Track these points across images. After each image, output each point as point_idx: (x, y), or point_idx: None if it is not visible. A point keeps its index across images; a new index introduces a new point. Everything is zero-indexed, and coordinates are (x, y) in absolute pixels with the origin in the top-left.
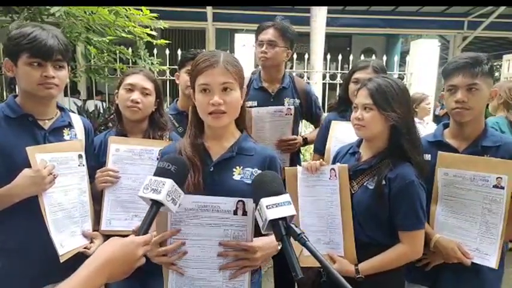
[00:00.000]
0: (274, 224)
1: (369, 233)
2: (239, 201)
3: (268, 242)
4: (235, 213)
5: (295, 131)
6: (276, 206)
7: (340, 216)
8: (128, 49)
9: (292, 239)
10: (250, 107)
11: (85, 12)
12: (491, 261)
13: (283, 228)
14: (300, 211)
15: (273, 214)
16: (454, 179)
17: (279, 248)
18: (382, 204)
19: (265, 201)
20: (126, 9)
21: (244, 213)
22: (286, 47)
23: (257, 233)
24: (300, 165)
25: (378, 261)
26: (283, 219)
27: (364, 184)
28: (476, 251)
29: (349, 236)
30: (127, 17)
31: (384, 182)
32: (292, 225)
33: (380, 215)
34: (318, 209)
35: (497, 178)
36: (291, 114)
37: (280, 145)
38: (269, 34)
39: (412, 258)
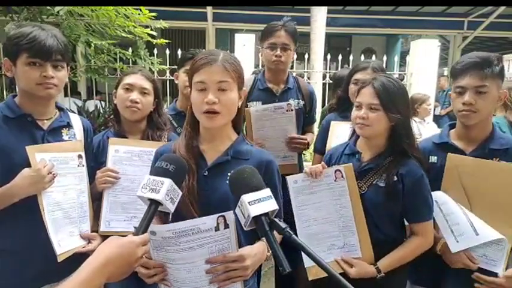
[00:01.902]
0: (257, 220)
1: (384, 230)
2: (219, 216)
3: (256, 248)
4: (216, 229)
5: (298, 132)
6: (258, 202)
7: (352, 217)
8: (127, 49)
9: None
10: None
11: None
12: (498, 267)
13: (266, 223)
14: (308, 220)
15: (255, 210)
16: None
17: (269, 253)
18: (395, 201)
19: (246, 197)
20: (125, 9)
21: (226, 226)
22: (294, 48)
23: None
24: (302, 165)
25: (395, 256)
26: (266, 214)
27: (374, 183)
28: (483, 256)
29: (365, 236)
30: (127, 17)
31: (395, 179)
32: (276, 220)
33: (394, 211)
34: (327, 214)
35: None
36: (292, 110)
37: (290, 142)
38: (282, 37)
39: (426, 248)
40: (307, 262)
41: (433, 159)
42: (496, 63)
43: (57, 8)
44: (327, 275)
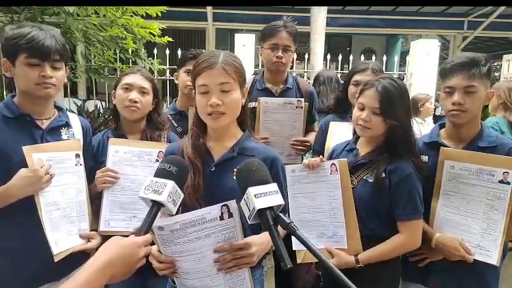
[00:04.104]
0: (261, 214)
1: (370, 226)
2: (223, 205)
3: (261, 237)
4: (221, 218)
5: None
6: (264, 195)
7: (342, 210)
8: (127, 49)
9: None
10: (254, 107)
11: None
12: (493, 257)
13: (270, 217)
14: (301, 208)
15: (261, 203)
16: (460, 173)
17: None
18: (382, 196)
19: (253, 190)
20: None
21: (230, 215)
22: (295, 49)
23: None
24: None
25: (376, 251)
26: (271, 208)
27: (364, 178)
28: (477, 247)
29: (353, 228)
30: (134, 14)
31: (383, 175)
32: (281, 214)
33: (380, 207)
34: (320, 204)
35: (503, 173)
36: (302, 107)
37: (294, 144)
38: (284, 39)
39: (411, 248)
40: (296, 246)
41: (424, 158)
42: (484, 64)
43: (68, 8)
44: (313, 260)
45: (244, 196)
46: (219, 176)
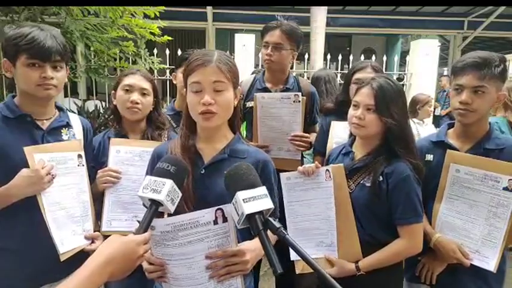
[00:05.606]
0: (250, 218)
1: (368, 231)
2: (218, 209)
3: (255, 243)
4: (215, 222)
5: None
6: (253, 200)
7: (334, 218)
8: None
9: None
10: (252, 107)
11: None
12: (491, 264)
13: (260, 222)
14: (299, 216)
15: (250, 208)
16: (465, 177)
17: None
18: (380, 200)
19: (241, 194)
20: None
21: (225, 219)
22: (293, 49)
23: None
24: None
25: (377, 257)
26: (260, 213)
27: (361, 182)
28: (476, 253)
29: (352, 235)
30: (133, 15)
31: (380, 178)
32: (270, 219)
33: (378, 211)
34: (318, 212)
35: (509, 180)
36: (299, 102)
37: (294, 140)
38: (275, 36)
39: (412, 253)
40: (294, 256)
41: (429, 157)
42: (497, 65)
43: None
44: (313, 270)
45: (233, 200)
46: (209, 179)
